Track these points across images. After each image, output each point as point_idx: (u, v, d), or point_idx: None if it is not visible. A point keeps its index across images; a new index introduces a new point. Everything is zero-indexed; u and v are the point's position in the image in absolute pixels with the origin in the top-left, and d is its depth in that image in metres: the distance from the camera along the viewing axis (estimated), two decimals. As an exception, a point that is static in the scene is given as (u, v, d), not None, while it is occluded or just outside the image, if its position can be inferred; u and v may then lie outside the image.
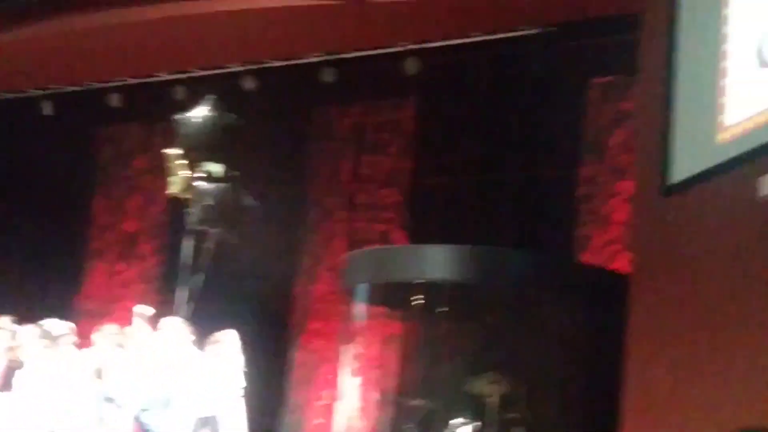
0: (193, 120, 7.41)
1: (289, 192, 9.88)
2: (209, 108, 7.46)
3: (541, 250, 8.08)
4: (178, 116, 7.55)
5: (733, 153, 4.91)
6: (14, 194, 10.76)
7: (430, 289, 7.17)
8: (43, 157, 10.75)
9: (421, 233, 8.94)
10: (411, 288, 7.29)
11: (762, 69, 4.81)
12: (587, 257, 8.01)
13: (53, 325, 7.52)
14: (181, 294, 7.57)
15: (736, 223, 4.87)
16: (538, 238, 8.44)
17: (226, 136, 7.48)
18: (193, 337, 7.06)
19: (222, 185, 7.28)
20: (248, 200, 7.39)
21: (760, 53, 4.84)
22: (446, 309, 7.28)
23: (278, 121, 9.78)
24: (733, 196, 4.91)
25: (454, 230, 8.51)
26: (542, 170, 8.70)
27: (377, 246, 8.84)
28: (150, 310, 7.52)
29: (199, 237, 7.55)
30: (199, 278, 7.36)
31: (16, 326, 7.61)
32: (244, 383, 7.06)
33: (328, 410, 9.44)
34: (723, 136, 5.03)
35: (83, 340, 7.84)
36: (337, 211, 9.92)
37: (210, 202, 7.20)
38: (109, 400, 6.96)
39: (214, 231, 7.32)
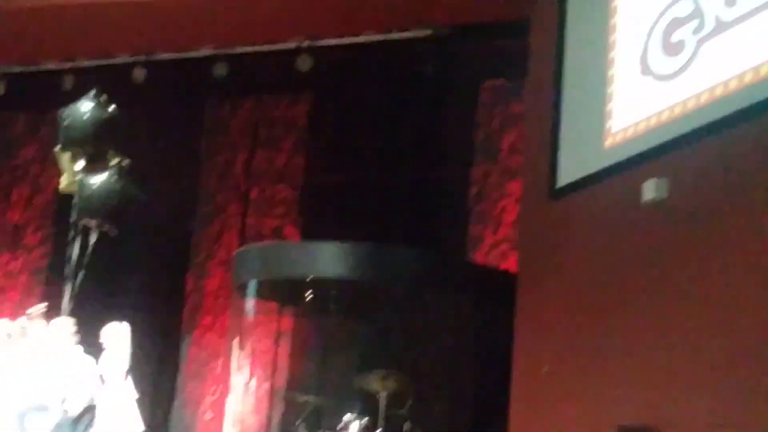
0: (77, 112, 7.27)
1: (182, 186, 9.79)
2: (94, 100, 7.32)
3: (433, 249, 8.17)
4: (62, 109, 7.40)
5: (618, 158, 5.07)
6: None
7: (321, 285, 7.20)
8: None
9: (314, 230, 8.95)
10: (302, 284, 7.30)
11: (644, 77, 4.97)
12: (478, 256, 8.13)
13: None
14: (68, 288, 7.46)
15: (620, 227, 5.03)
16: (430, 237, 8.52)
17: (114, 128, 7.36)
18: (77, 334, 6.95)
19: (108, 177, 7.17)
20: (135, 192, 7.29)
21: (643, 61, 5.00)
22: (336, 305, 7.31)
23: (170, 115, 9.67)
24: (617, 200, 5.06)
25: (347, 227, 8.54)
26: (435, 170, 8.79)
27: (269, 242, 8.84)
28: (41, 308, 7.43)
29: (84, 229, 7.45)
30: (83, 271, 7.24)
31: None
32: (130, 380, 6.98)
33: (219, 405, 9.39)
34: (610, 142, 5.18)
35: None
36: (230, 206, 9.87)
37: (94, 194, 7.08)
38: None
39: (97, 223, 7.22)
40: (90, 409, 6.82)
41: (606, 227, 5.13)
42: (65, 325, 6.97)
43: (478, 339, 7.28)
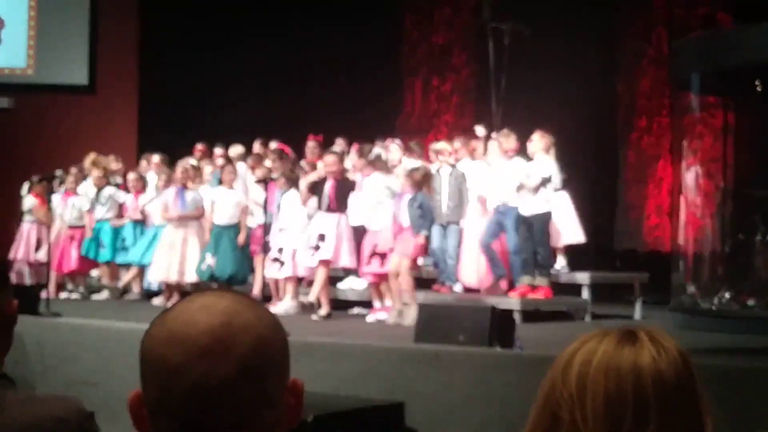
0: None
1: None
2: None
3: None
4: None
5: None
6: (329, 20, 10.80)
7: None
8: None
9: (748, 14, 8.25)
10: (749, 72, 6.77)
11: None
12: None
13: (386, 145, 7.64)
14: (493, 94, 7.50)
15: None
16: None
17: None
18: (513, 145, 6.93)
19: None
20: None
21: None
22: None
23: None
24: None
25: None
26: None
27: (702, 32, 8.27)
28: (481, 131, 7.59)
29: (498, 33, 7.37)
30: (504, 75, 7.16)
31: (340, 149, 7.79)
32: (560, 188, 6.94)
33: (662, 208, 9.19)
34: None
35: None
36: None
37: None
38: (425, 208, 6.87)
39: (509, 25, 7.08)
40: (535, 220, 6.85)
41: None
42: (501, 137, 7.00)
43: None
